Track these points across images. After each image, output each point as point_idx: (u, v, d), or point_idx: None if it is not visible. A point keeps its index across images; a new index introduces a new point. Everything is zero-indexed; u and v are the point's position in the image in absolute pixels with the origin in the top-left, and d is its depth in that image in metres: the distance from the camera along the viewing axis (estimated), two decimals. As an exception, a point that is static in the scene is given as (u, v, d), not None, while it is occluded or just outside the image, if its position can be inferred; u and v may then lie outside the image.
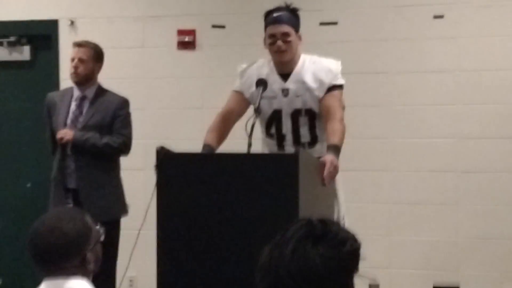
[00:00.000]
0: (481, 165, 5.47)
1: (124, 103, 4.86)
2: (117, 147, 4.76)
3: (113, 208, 4.78)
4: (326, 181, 3.48)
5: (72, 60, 4.79)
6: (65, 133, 4.68)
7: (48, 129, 4.89)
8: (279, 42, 3.83)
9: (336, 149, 3.62)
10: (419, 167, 5.57)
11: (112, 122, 4.77)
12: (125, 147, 4.82)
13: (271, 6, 3.95)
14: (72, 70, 4.78)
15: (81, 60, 4.77)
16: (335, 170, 3.52)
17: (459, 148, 5.50)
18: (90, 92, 4.81)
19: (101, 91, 4.85)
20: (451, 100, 5.51)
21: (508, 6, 5.44)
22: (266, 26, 3.90)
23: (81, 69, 4.77)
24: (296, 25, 3.89)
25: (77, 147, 4.68)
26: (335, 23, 5.68)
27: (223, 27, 5.87)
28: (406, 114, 5.58)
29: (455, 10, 5.48)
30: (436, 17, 5.50)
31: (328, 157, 3.53)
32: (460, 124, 5.50)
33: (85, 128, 4.72)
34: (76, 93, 4.82)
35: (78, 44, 4.86)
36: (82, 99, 4.81)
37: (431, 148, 5.55)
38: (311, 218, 1.65)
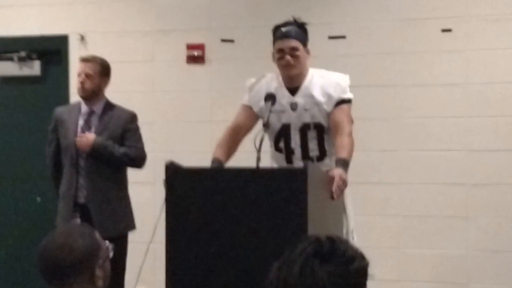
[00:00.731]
0: (490, 178, 5.46)
1: (133, 117, 4.86)
2: (134, 158, 4.77)
3: (121, 223, 4.79)
4: (335, 195, 3.48)
5: (79, 75, 4.80)
6: (86, 138, 4.66)
7: (53, 145, 4.89)
8: (287, 57, 3.84)
9: (344, 163, 3.62)
10: (429, 180, 5.56)
11: (122, 137, 4.77)
12: (142, 159, 4.82)
13: (279, 20, 3.97)
14: (79, 86, 4.79)
15: (87, 75, 4.77)
16: (343, 184, 3.52)
17: (468, 161, 5.49)
18: (98, 107, 4.81)
19: (109, 106, 4.85)
20: (460, 113, 5.51)
21: (516, 19, 5.44)
22: (274, 41, 3.91)
23: (87, 84, 4.77)
24: (304, 40, 3.90)
25: (96, 154, 4.67)
26: (343, 37, 5.69)
27: (232, 41, 5.89)
28: (415, 127, 5.58)
29: (463, 23, 5.48)
30: (444, 30, 5.51)
31: (337, 171, 3.53)
32: (469, 137, 5.49)
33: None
34: (84, 108, 4.83)
35: (85, 59, 4.86)
36: (90, 114, 4.81)
37: (440, 161, 5.54)
38: (319, 236, 1.65)
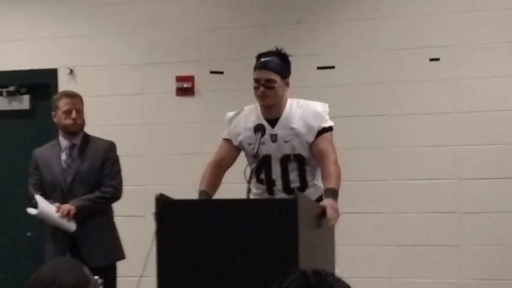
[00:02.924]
0: (482, 206, 5.46)
1: (111, 146, 4.89)
2: (111, 196, 4.78)
3: (109, 252, 4.79)
4: (333, 223, 3.48)
5: (69, 111, 4.78)
6: (66, 210, 4.65)
7: (35, 182, 4.88)
8: (262, 88, 3.82)
9: (334, 193, 3.61)
10: (420, 208, 5.56)
11: (103, 165, 4.79)
12: (119, 193, 4.82)
13: (267, 52, 3.97)
14: (71, 122, 4.78)
15: (78, 111, 4.80)
16: (336, 213, 3.51)
17: (459, 189, 5.50)
18: (78, 140, 4.83)
19: (87, 138, 4.87)
20: (449, 141, 5.53)
21: (503, 48, 5.48)
22: (254, 69, 3.91)
23: (80, 119, 4.81)
24: (283, 72, 3.86)
25: (82, 212, 4.67)
26: (332, 67, 5.72)
27: (221, 73, 5.91)
28: (405, 156, 5.59)
29: (451, 52, 5.52)
30: (432, 59, 5.54)
31: (328, 201, 3.52)
32: (460, 165, 5.51)
33: (78, 173, 4.73)
34: (64, 143, 4.83)
35: (72, 95, 4.87)
36: (71, 147, 4.82)
37: (432, 190, 5.54)
38: (305, 270, 1.63)
